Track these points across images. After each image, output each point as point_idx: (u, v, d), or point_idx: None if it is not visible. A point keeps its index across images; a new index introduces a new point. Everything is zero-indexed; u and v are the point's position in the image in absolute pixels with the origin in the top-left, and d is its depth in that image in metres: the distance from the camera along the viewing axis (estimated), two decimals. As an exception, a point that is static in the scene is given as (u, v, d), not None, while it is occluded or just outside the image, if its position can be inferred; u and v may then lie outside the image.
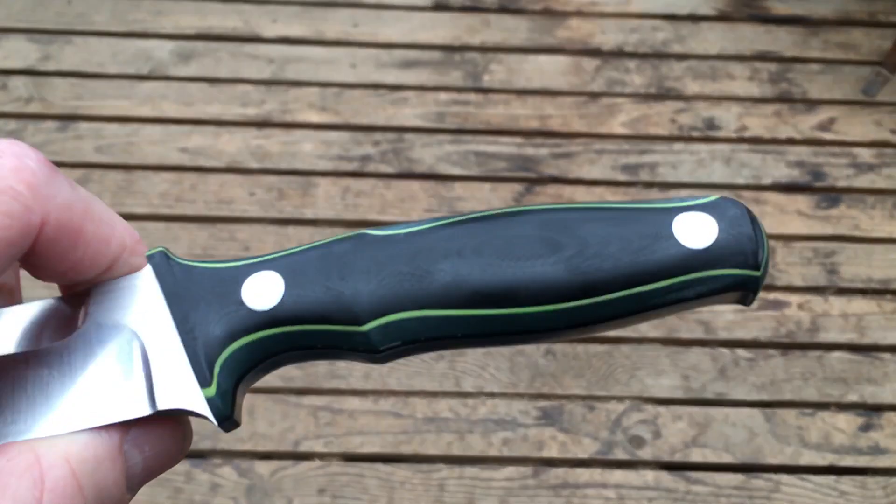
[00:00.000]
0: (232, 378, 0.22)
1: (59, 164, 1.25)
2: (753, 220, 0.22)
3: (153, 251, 0.23)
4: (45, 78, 1.34)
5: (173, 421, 0.22)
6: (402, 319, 0.22)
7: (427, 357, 1.09)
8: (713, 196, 0.23)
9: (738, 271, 0.22)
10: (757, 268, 0.22)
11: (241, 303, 0.22)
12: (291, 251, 0.23)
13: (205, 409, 0.22)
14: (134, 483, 0.21)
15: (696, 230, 0.22)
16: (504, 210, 0.23)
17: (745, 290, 0.22)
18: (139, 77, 1.34)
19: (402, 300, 0.22)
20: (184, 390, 0.22)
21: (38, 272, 0.21)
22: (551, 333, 0.23)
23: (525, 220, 0.23)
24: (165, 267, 0.23)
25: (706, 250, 0.22)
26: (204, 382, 0.22)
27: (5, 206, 0.19)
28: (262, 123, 1.30)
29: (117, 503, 0.21)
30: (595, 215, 0.23)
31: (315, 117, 1.31)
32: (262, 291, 0.22)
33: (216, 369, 0.22)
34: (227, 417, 0.22)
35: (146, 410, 0.21)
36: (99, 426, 0.21)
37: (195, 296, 0.22)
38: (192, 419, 0.23)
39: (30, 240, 0.20)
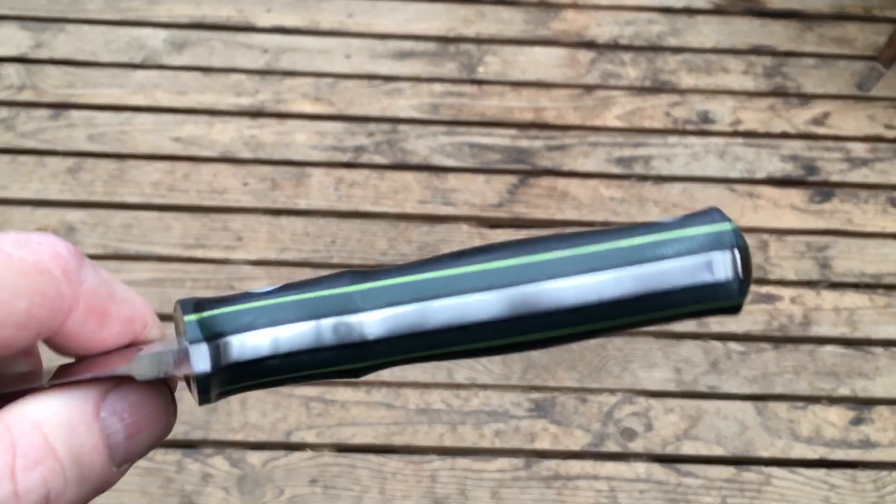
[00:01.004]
0: (224, 326, 0.22)
1: (51, 153, 1.24)
2: (745, 271, 0.22)
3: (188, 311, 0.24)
4: (37, 66, 1.33)
5: (154, 386, 0.22)
6: (385, 286, 0.22)
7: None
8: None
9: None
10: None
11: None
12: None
13: (182, 346, 0.22)
14: (118, 455, 0.21)
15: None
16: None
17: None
18: (132, 65, 1.33)
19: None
20: (164, 343, 0.22)
21: (62, 349, 0.22)
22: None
23: (517, 248, 0.22)
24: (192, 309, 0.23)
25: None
26: (188, 310, 0.22)
27: (41, 287, 0.20)
28: (255, 113, 1.30)
29: (102, 474, 0.20)
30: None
31: (309, 108, 1.31)
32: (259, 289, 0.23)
33: (207, 312, 0.22)
34: (207, 375, 0.22)
35: (123, 370, 0.21)
36: (71, 390, 0.20)
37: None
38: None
39: (57, 322, 0.21)
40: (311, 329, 0.22)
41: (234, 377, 0.22)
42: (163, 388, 0.22)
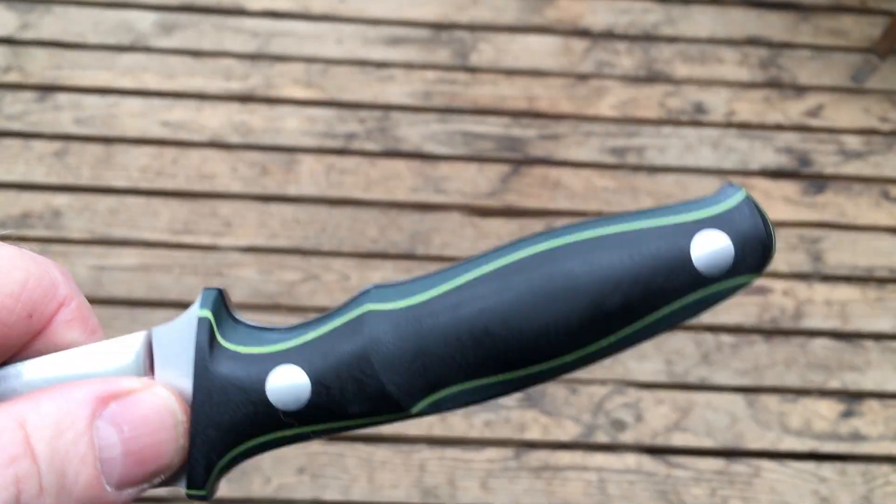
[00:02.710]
0: (228, 467, 0.22)
1: (37, 136, 1.22)
2: (767, 227, 0.22)
3: (206, 306, 0.23)
4: (23, 47, 1.31)
5: (162, 400, 0.20)
6: (446, 396, 0.22)
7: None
8: (728, 199, 0.22)
9: (747, 278, 0.22)
10: (767, 262, 0.22)
11: (266, 402, 0.22)
12: (306, 336, 0.22)
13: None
14: (113, 473, 0.19)
15: (713, 253, 0.22)
16: (504, 250, 0.22)
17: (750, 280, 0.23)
18: (120, 48, 1.31)
19: (443, 379, 0.22)
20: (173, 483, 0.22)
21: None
22: (575, 369, 0.23)
23: (532, 260, 0.22)
24: (207, 341, 0.22)
25: (723, 275, 0.22)
26: (195, 483, 0.22)
27: (37, 269, 0.21)
28: (245, 98, 1.28)
29: (88, 490, 0.18)
30: (607, 241, 0.22)
31: (300, 93, 1.29)
32: (287, 390, 0.22)
33: (216, 470, 0.22)
34: (206, 499, 0.22)
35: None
36: (72, 390, 0.19)
37: (220, 388, 0.22)
38: None
39: (50, 309, 0.21)
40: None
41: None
42: (173, 407, 0.21)
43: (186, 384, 0.22)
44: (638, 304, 0.22)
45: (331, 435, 0.23)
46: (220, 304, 0.23)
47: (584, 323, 0.21)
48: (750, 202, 0.22)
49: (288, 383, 0.22)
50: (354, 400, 0.22)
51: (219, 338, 0.22)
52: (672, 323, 0.22)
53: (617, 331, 0.22)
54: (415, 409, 0.22)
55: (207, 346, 0.22)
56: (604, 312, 0.22)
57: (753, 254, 0.22)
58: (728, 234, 0.22)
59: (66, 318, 0.20)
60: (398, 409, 0.22)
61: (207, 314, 0.22)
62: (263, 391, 0.22)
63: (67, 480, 0.18)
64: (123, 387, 0.20)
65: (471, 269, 0.22)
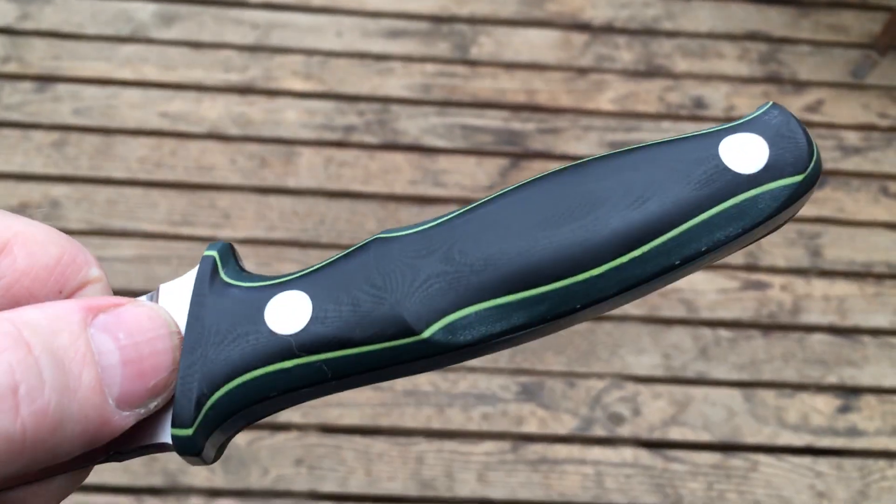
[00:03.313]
0: (223, 414, 0.20)
1: (36, 126, 1.22)
2: (802, 128, 0.21)
3: (213, 248, 0.22)
4: (22, 37, 1.30)
5: (152, 309, 0.20)
6: (461, 319, 0.20)
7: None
8: (758, 111, 0.21)
9: (790, 180, 0.20)
10: (810, 162, 0.20)
11: (263, 327, 0.20)
12: (313, 268, 0.21)
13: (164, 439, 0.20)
14: (114, 382, 0.18)
15: (743, 150, 0.20)
16: (525, 182, 0.21)
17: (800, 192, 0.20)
18: (119, 39, 1.31)
19: (457, 298, 0.20)
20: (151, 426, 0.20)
21: None
22: (613, 299, 0.20)
23: (554, 182, 0.21)
24: (208, 276, 0.21)
25: (760, 174, 0.20)
26: (180, 420, 0.20)
27: (71, 247, 0.21)
28: (244, 90, 1.28)
29: (92, 395, 0.18)
30: (632, 158, 0.21)
31: (299, 85, 1.29)
32: (286, 311, 0.20)
33: (205, 407, 0.20)
34: (195, 452, 0.20)
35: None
36: (56, 304, 0.18)
37: (216, 319, 0.20)
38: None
39: (78, 283, 0.21)
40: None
41: (227, 442, 0.21)
42: (165, 315, 0.20)
43: (183, 319, 0.20)
44: (666, 211, 0.20)
45: (337, 378, 0.20)
46: (228, 252, 0.22)
47: (606, 233, 0.20)
48: (779, 107, 0.21)
49: (287, 305, 0.20)
50: (360, 323, 0.20)
51: (221, 273, 0.21)
52: (718, 240, 0.20)
53: (646, 242, 0.20)
54: (427, 333, 0.20)
55: (208, 279, 0.21)
56: (626, 221, 0.20)
57: (790, 150, 0.20)
58: (758, 133, 0.20)
59: (93, 295, 0.20)
60: (408, 334, 0.20)
61: (213, 253, 0.22)
62: (261, 317, 0.20)
63: (70, 379, 0.17)
64: (110, 301, 0.19)
65: (486, 200, 0.21)
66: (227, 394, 0.20)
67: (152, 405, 0.19)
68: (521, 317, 0.20)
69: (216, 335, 0.20)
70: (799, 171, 0.20)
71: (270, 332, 0.20)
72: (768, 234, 0.21)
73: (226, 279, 0.21)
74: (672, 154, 0.20)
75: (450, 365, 0.21)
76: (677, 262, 0.20)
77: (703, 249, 0.20)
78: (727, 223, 0.20)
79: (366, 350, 0.20)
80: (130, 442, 0.20)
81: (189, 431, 0.20)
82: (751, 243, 0.21)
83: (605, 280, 0.20)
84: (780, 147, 0.20)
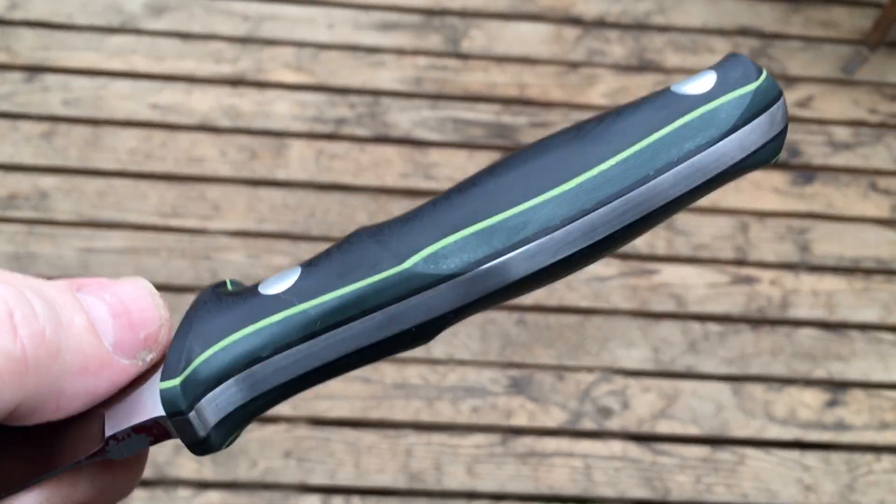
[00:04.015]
0: (214, 376, 0.20)
1: (25, 117, 1.21)
2: (746, 57, 0.22)
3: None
4: (11, 27, 1.29)
5: (132, 280, 0.20)
6: (444, 247, 0.20)
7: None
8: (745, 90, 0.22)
9: (744, 89, 0.21)
10: (759, 75, 0.21)
11: (255, 292, 0.20)
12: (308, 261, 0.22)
13: (154, 408, 0.19)
14: (105, 329, 0.19)
15: (696, 83, 0.21)
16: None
17: (766, 109, 0.21)
18: (109, 30, 1.30)
19: (433, 231, 0.20)
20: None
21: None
22: (592, 219, 0.20)
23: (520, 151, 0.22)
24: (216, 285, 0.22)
25: (710, 91, 0.21)
26: (169, 370, 0.20)
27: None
28: (235, 82, 1.27)
29: (85, 334, 0.19)
30: (595, 121, 0.22)
31: (290, 77, 1.28)
32: (278, 277, 0.21)
33: (196, 361, 0.20)
34: (180, 410, 0.19)
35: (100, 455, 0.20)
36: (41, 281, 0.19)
37: (212, 305, 0.21)
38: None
39: None
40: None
41: (231, 427, 0.20)
42: (146, 283, 0.21)
43: None
44: (628, 130, 0.21)
45: (327, 329, 0.20)
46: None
47: (574, 154, 0.20)
48: (733, 54, 0.22)
49: (280, 278, 0.21)
50: (343, 268, 0.20)
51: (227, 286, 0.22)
52: (689, 150, 0.20)
53: (612, 156, 0.20)
54: (409, 263, 0.20)
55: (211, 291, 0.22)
56: (592, 143, 0.21)
57: (737, 68, 0.21)
58: (708, 70, 0.21)
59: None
60: (390, 265, 0.20)
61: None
62: (256, 289, 0.21)
63: (63, 317, 0.18)
64: (92, 279, 0.20)
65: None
66: (218, 352, 0.20)
67: (148, 357, 0.20)
68: (501, 239, 0.20)
69: (211, 308, 0.20)
70: (750, 80, 0.21)
71: (262, 294, 0.20)
72: (751, 164, 0.21)
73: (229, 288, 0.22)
74: (631, 107, 0.21)
75: (450, 316, 0.21)
76: (651, 173, 0.20)
77: (674, 159, 0.20)
78: (694, 134, 0.20)
79: (351, 290, 0.20)
80: (124, 418, 0.20)
81: (175, 382, 0.19)
82: (735, 172, 0.21)
83: (579, 194, 0.20)
84: (728, 69, 0.21)
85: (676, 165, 0.20)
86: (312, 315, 0.20)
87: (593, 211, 0.20)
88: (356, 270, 0.20)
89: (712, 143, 0.20)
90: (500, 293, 0.21)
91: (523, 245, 0.20)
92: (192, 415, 0.19)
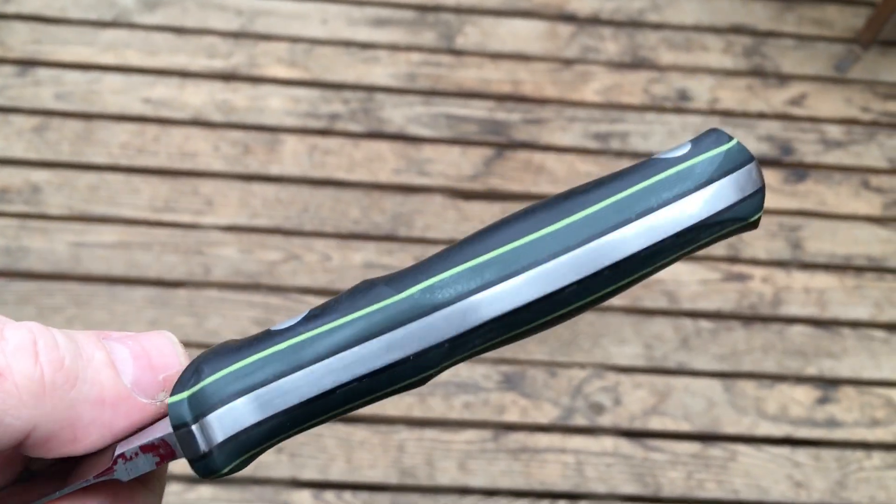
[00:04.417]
0: (219, 396, 0.20)
1: (17, 110, 1.21)
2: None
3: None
4: (3, 21, 1.29)
5: (153, 332, 0.22)
6: (437, 281, 0.21)
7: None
8: (716, 151, 0.23)
9: (717, 150, 0.22)
10: (730, 140, 0.23)
11: (266, 330, 0.22)
12: None
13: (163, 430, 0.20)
14: (126, 368, 0.20)
15: (674, 150, 0.23)
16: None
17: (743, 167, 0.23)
18: (102, 24, 1.30)
19: (429, 268, 0.22)
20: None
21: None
22: (577, 254, 0.22)
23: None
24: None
25: (687, 153, 0.23)
26: (181, 384, 0.21)
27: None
28: (228, 77, 1.27)
29: (104, 368, 0.20)
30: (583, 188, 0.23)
31: (283, 72, 1.28)
32: (287, 321, 0.22)
33: (204, 381, 0.20)
34: (184, 422, 0.20)
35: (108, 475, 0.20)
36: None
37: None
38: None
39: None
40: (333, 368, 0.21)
41: (236, 451, 0.21)
42: (167, 333, 0.22)
43: None
44: (612, 186, 0.22)
45: (329, 355, 0.21)
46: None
47: (558, 205, 0.22)
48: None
49: (289, 318, 0.22)
50: (349, 303, 0.22)
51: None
52: (666, 198, 0.22)
53: (594, 205, 0.22)
54: (405, 294, 0.21)
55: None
56: (576, 196, 0.22)
57: (711, 136, 0.23)
58: (688, 141, 0.23)
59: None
60: (387, 296, 0.21)
61: None
62: (266, 329, 0.22)
63: (83, 351, 0.20)
64: (119, 332, 0.21)
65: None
66: (228, 374, 0.21)
67: (166, 399, 0.21)
68: (493, 272, 0.21)
69: (222, 346, 0.22)
70: (722, 143, 0.23)
71: (271, 330, 0.22)
72: (731, 219, 0.23)
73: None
74: (616, 172, 0.23)
75: (445, 346, 0.21)
76: (632, 217, 0.22)
77: (654, 206, 0.22)
78: (671, 186, 0.22)
79: (353, 317, 0.21)
80: (134, 441, 0.21)
81: (183, 395, 0.20)
82: (716, 226, 0.22)
83: (567, 232, 0.22)
84: (703, 137, 0.23)
85: (656, 211, 0.22)
86: (316, 339, 0.21)
87: (579, 247, 0.22)
88: (359, 302, 0.21)
89: (688, 193, 0.22)
90: (491, 327, 0.22)
91: (513, 276, 0.21)
92: (195, 427, 0.20)
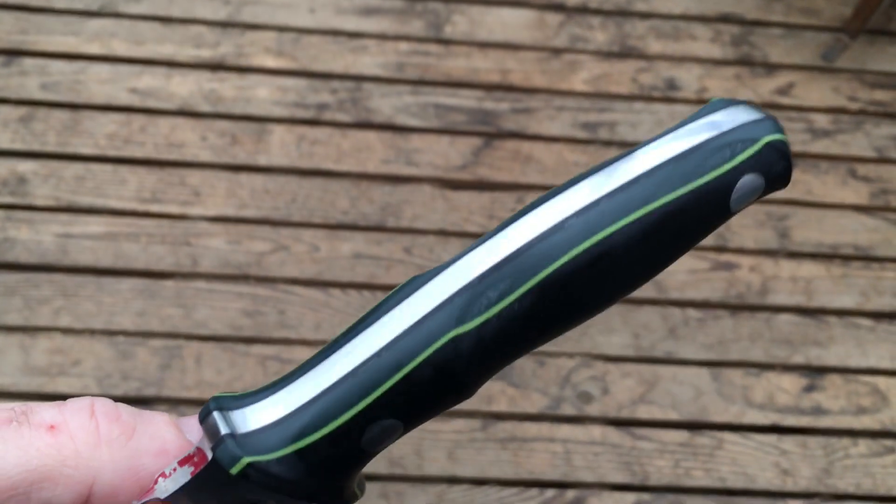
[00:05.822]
0: (263, 420, 0.21)
1: (2, 101, 1.20)
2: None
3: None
4: (-12, 10, 1.28)
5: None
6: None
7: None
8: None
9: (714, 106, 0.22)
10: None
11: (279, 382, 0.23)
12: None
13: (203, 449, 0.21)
14: (195, 435, 0.21)
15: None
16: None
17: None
18: (88, 13, 1.29)
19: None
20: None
21: None
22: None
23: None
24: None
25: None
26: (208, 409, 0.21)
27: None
28: (216, 66, 1.26)
29: (169, 427, 0.21)
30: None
31: (271, 62, 1.28)
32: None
33: (248, 407, 0.21)
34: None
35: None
36: None
37: None
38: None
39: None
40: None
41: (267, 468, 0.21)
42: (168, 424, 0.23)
43: None
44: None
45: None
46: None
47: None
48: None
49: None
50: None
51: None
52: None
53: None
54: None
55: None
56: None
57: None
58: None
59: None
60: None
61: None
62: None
63: (143, 412, 0.21)
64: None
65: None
66: (267, 404, 0.22)
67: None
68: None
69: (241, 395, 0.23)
70: (717, 107, 0.23)
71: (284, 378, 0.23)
72: (749, 147, 0.22)
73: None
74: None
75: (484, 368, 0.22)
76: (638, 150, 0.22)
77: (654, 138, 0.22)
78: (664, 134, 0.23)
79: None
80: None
81: (224, 413, 0.21)
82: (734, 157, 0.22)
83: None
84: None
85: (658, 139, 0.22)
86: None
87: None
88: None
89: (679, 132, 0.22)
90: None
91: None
92: (227, 434, 0.21)
